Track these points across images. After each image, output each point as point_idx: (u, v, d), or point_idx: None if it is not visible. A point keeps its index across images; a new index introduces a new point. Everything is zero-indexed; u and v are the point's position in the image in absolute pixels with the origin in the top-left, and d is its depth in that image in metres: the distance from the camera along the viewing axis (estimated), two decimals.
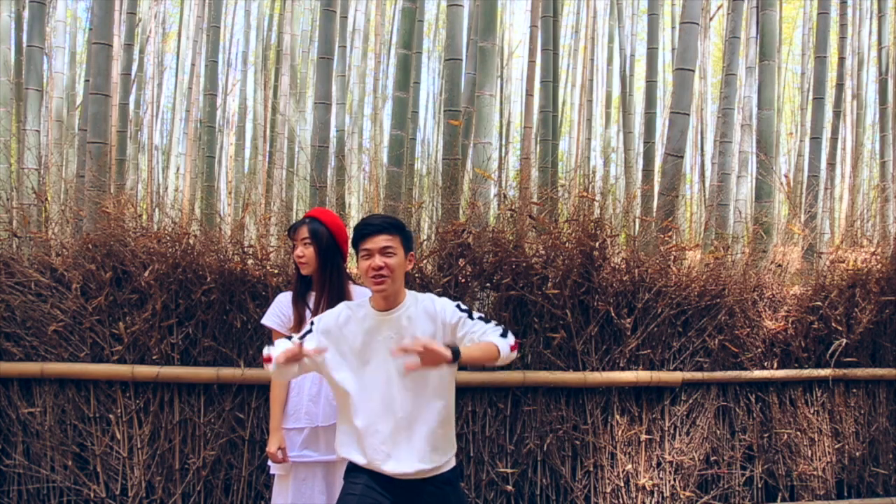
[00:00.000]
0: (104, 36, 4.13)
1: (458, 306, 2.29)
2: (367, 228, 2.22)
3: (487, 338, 2.18)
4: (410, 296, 2.32)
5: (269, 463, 2.61)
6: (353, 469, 2.28)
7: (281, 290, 3.11)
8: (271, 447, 2.54)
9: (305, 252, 2.58)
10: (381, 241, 2.20)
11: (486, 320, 2.29)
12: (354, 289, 2.71)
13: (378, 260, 2.17)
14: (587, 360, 3.36)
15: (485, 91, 4.54)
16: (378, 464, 2.20)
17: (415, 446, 2.21)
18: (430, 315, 2.27)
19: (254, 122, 12.83)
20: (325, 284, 2.60)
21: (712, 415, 3.51)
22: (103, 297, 3.11)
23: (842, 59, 8.87)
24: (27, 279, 3.14)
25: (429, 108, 15.15)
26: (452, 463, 2.33)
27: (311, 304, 2.64)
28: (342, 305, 2.35)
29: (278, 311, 2.65)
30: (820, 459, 3.64)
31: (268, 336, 2.90)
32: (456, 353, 2.02)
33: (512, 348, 2.23)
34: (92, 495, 3.11)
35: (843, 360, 3.67)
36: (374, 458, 2.20)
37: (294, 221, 2.79)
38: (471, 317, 2.27)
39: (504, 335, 2.23)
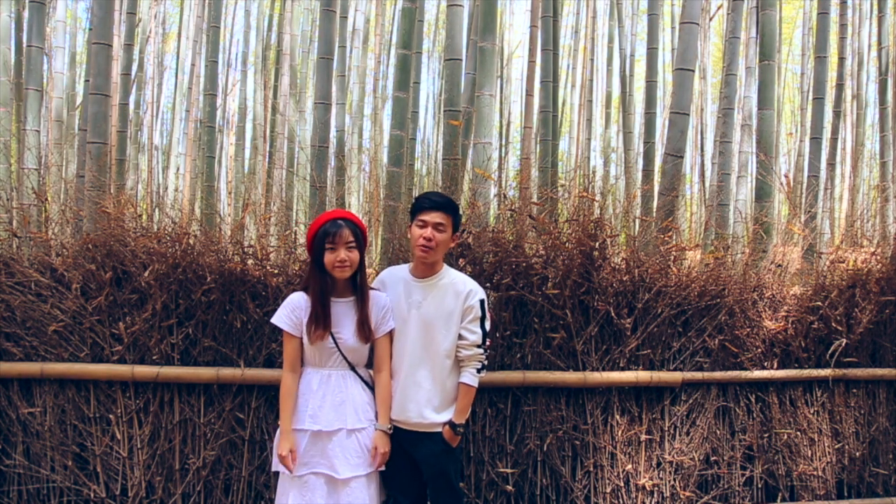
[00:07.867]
0: (104, 36, 4.13)
1: (481, 303, 2.60)
2: (428, 203, 2.55)
3: (464, 376, 2.59)
4: (446, 269, 2.64)
5: (273, 458, 2.60)
6: None
7: (281, 291, 3.11)
8: (283, 450, 2.50)
9: (350, 256, 2.50)
10: (437, 217, 2.53)
11: (483, 341, 2.60)
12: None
13: (429, 232, 2.51)
14: (587, 361, 3.36)
15: (485, 91, 4.54)
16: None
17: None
18: (457, 294, 2.57)
19: (254, 123, 12.83)
20: (364, 288, 2.59)
21: (712, 415, 3.51)
22: (103, 297, 3.11)
23: (842, 60, 8.88)
24: (27, 279, 3.14)
25: (429, 108, 15.17)
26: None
27: (343, 307, 2.58)
28: (377, 281, 2.73)
29: (291, 314, 2.56)
30: (820, 459, 3.64)
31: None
32: (458, 429, 2.57)
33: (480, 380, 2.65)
34: (92, 495, 3.11)
35: (843, 360, 3.67)
36: None
37: (292, 222, 2.78)
38: (481, 324, 2.59)
39: (481, 370, 2.61)
